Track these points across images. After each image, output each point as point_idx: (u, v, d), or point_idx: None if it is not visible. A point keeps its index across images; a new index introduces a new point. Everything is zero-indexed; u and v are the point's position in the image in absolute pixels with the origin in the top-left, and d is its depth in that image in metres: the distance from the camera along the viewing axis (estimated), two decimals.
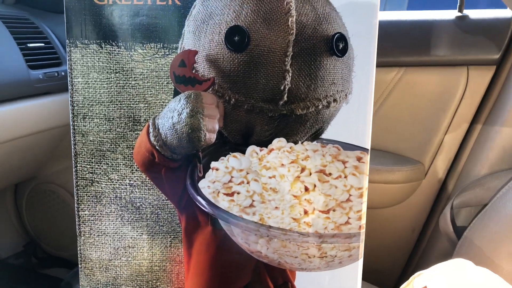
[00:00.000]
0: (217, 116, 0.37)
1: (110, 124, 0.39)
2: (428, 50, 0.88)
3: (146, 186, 0.40)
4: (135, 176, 0.40)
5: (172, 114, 0.36)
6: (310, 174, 0.37)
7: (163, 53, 0.38)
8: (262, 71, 0.36)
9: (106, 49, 0.38)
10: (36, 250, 1.19)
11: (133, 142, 0.39)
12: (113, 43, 0.38)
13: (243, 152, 0.38)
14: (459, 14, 0.89)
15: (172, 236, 0.41)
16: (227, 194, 0.36)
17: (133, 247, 0.41)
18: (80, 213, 0.41)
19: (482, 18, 0.88)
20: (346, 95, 0.38)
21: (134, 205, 0.40)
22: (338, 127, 0.39)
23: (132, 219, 0.40)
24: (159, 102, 0.39)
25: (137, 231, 0.41)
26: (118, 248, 0.41)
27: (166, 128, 0.36)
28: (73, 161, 0.40)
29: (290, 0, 0.36)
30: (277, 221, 0.36)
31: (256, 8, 0.36)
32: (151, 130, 0.37)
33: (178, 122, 0.36)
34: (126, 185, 0.40)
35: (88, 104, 0.39)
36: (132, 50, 0.38)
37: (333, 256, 0.37)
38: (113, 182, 0.40)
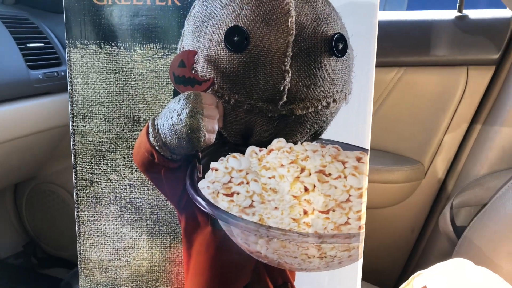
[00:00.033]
0: (217, 116, 0.37)
1: (110, 124, 0.39)
2: (427, 50, 0.88)
3: (146, 186, 0.40)
4: (134, 177, 0.40)
5: (171, 114, 0.36)
6: (310, 174, 0.37)
7: (162, 53, 0.38)
8: (261, 72, 0.36)
9: (105, 50, 0.38)
10: (36, 250, 1.19)
11: (133, 143, 0.39)
12: (113, 44, 0.38)
13: (243, 153, 0.38)
14: (459, 14, 0.89)
15: (171, 237, 0.41)
16: (226, 195, 0.36)
17: (132, 248, 0.41)
18: (79, 213, 0.41)
19: (482, 18, 0.88)
20: (345, 95, 0.38)
21: (134, 205, 0.40)
22: (338, 127, 0.39)
23: (131, 219, 0.40)
24: (159, 103, 0.39)
25: (136, 232, 0.41)
26: (117, 248, 0.41)
27: (166, 129, 0.36)
28: (73, 162, 0.40)
29: (289, 1, 0.36)
30: (276, 221, 0.36)
31: (256, 9, 0.36)
32: (150, 130, 0.37)
33: (178, 123, 0.36)
34: (125, 185, 0.40)
35: (87, 105, 0.39)
36: (132, 50, 0.38)
37: (332, 256, 0.37)
38: (112, 182, 0.40)
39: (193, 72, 0.37)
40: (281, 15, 0.35)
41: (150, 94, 0.39)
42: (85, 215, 0.41)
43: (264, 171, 0.37)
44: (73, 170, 0.40)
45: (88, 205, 0.41)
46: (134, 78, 0.39)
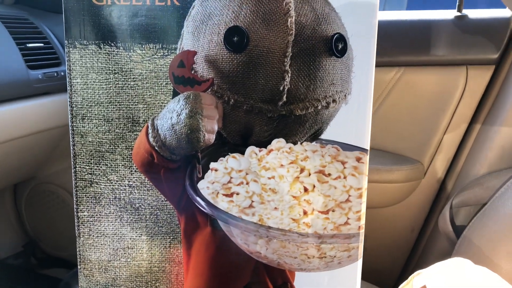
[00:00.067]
0: (216, 116, 0.37)
1: (109, 125, 0.39)
2: (427, 49, 0.88)
3: (145, 187, 0.40)
4: (134, 177, 0.40)
5: (171, 115, 0.36)
6: (309, 174, 0.37)
7: (162, 53, 0.38)
8: (261, 72, 0.36)
9: (105, 50, 0.38)
10: (35, 250, 1.19)
11: (132, 143, 0.39)
12: (112, 44, 0.38)
13: (242, 153, 0.38)
14: (458, 14, 0.89)
15: (171, 237, 0.41)
16: (226, 195, 0.36)
17: (132, 248, 0.41)
18: (79, 214, 0.41)
19: (481, 18, 0.88)
20: (345, 95, 0.38)
21: (133, 206, 0.40)
22: (337, 127, 0.39)
23: (131, 220, 0.40)
24: (158, 103, 0.39)
25: (136, 232, 0.41)
26: (117, 249, 0.41)
27: (165, 129, 0.36)
28: (72, 162, 0.40)
29: (289, 1, 0.35)
30: (276, 221, 0.36)
31: (255, 9, 0.36)
32: (150, 131, 0.37)
33: (177, 123, 0.36)
34: (125, 186, 0.40)
35: (87, 105, 0.39)
36: (131, 50, 0.38)
37: (332, 256, 0.37)
38: (112, 183, 0.40)
39: (192, 72, 0.37)
40: (281, 15, 0.35)
41: (149, 95, 0.39)
42: (84, 215, 0.41)
43: (264, 172, 0.37)
44: (73, 171, 0.40)
45: (88, 206, 0.41)
46: (133, 78, 0.39)
